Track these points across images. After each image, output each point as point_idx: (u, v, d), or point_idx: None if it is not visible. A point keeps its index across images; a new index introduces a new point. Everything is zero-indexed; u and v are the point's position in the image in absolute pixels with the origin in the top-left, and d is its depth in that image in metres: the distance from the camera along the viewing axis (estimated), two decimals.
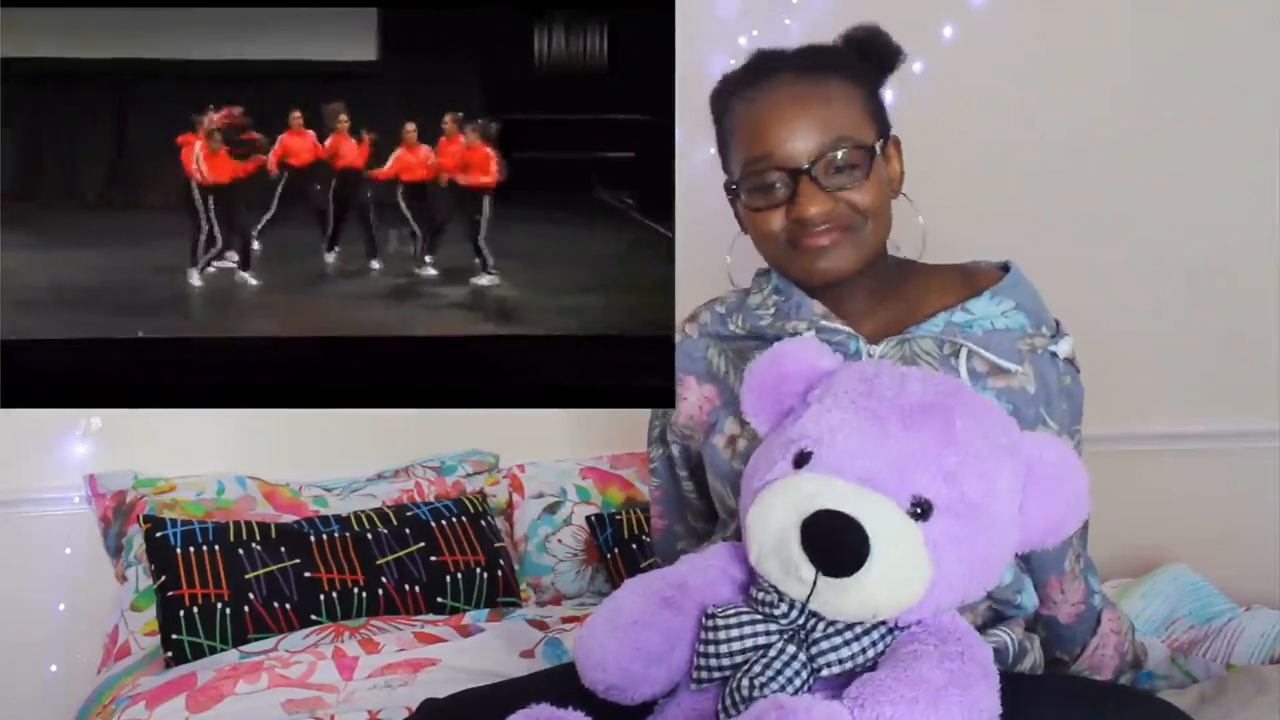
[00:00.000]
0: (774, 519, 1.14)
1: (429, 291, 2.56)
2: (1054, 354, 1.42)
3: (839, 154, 1.35)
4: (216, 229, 2.50)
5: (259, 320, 2.35)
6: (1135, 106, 2.65)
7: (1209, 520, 2.59)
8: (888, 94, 1.45)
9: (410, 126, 2.64)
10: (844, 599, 1.12)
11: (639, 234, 2.87)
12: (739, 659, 1.16)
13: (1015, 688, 1.17)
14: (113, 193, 3.28)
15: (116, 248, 2.67)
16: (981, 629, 1.34)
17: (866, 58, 1.43)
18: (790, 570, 1.12)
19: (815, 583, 1.11)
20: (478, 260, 2.56)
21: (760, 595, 1.18)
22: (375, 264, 2.66)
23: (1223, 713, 1.66)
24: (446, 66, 3.26)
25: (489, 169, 2.56)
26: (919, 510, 1.13)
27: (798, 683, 1.13)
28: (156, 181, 2.99)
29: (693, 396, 1.52)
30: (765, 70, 1.40)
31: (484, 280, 2.55)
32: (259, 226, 2.65)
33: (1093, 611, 1.49)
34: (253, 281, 2.53)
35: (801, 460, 1.17)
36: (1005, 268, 1.48)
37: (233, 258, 2.55)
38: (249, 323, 2.34)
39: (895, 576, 1.11)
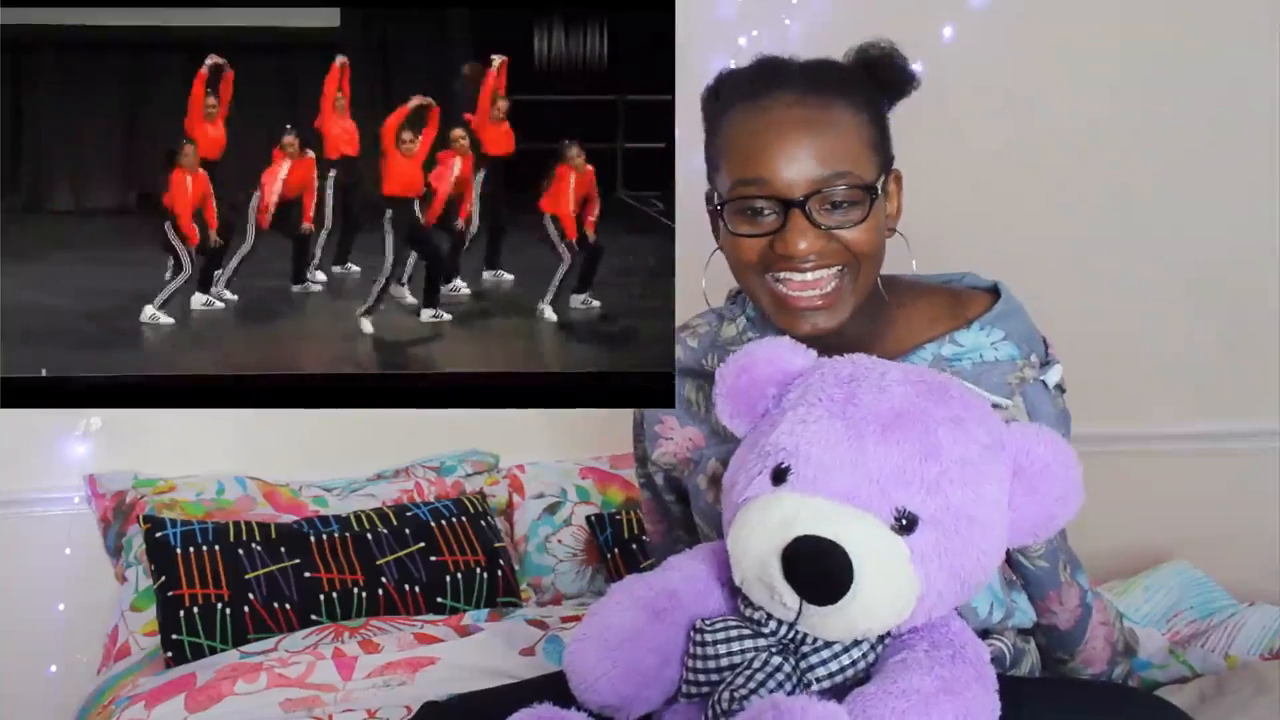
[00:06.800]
0: (754, 544, 1.11)
1: None
2: (1044, 383, 1.36)
3: (838, 190, 1.26)
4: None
5: None
6: (1135, 107, 2.65)
7: (1209, 520, 2.59)
8: None
9: None
10: (830, 623, 1.10)
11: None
12: (727, 673, 1.14)
13: (1014, 691, 1.17)
14: None
15: None
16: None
17: (878, 80, 1.33)
18: (774, 597, 1.10)
19: (800, 609, 1.09)
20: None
21: (749, 612, 1.16)
22: None
23: (1223, 713, 1.66)
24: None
25: None
26: (903, 523, 1.10)
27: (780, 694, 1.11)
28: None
29: (677, 437, 1.47)
30: (768, 83, 1.29)
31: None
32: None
33: (1089, 611, 1.47)
34: None
35: (780, 476, 1.13)
36: (994, 289, 1.42)
37: None
38: None
39: (882, 597, 1.09)
